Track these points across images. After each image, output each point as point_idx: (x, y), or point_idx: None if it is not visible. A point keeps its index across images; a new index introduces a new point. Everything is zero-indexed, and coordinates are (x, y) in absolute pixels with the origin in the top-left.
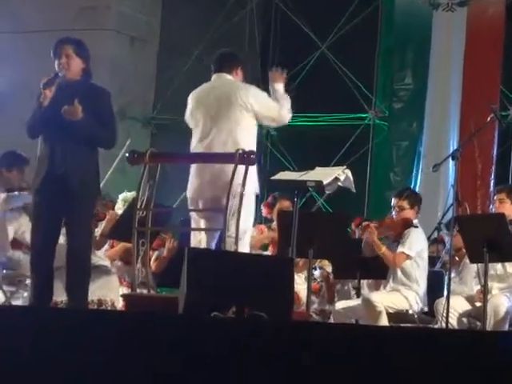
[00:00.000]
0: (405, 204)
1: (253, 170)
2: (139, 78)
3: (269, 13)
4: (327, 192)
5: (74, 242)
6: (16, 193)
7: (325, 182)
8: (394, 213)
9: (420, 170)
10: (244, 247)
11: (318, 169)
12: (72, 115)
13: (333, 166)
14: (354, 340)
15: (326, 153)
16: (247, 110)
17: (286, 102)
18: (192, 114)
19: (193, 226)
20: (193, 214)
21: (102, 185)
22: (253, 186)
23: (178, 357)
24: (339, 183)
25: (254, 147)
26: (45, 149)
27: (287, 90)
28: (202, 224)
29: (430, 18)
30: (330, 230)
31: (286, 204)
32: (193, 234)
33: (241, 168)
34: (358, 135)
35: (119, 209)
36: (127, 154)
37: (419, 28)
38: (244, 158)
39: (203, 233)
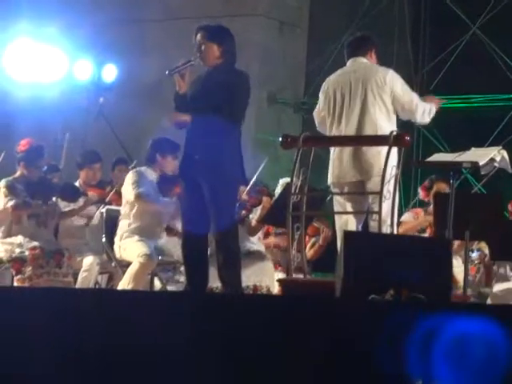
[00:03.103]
0: None
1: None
2: (289, 63)
3: None
4: (482, 173)
5: (217, 228)
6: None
7: (481, 163)
8: None
9: None
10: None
11: (473, 149)
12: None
13: (487, 147)
14: None
15: (480, 134)
16: (385, 93)
17: (429, 109)
18: (328, 101)
19: (336, 209)
20: (337, 198)
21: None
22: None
23: (335, 340)
24: (495, 164)
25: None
26: (186, 135)
27: None
28: (348, 207)
29: None
30: (487, 211)
31: (442, 186)
32: (337, 216)
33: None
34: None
35: (278, 193)
36: (280, 139)
37: None
38: (398, 139)
39: (349, 215)
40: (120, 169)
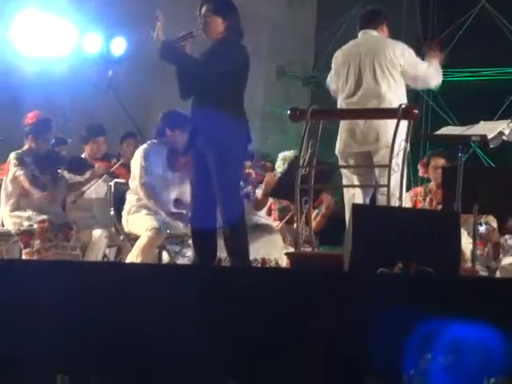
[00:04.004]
0: None
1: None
2: (298, 36)
3: None
4: (491, 146)
5: (222, 200)
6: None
7: (489, 136)
8: None
9: None
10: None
11: (482, 123)
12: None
13: (496, 120)
14: None
15: (488, 107)
16: (394, 68)
17: (437, 72)
18: (338, 73)
19: (344, 182)
20: (344, 171)
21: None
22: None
23: (344, 312)
24: (504, 137)
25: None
26: (191, 110)
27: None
28: (355, 180)
29: None
30: (495, 185)
31: (440, 162)
32: (345, 189)
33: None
34: None
35: (279, 167)
36: (289, 112)
37: None
38: (407, 112)
39: (356, 188)
40: (128, 143)
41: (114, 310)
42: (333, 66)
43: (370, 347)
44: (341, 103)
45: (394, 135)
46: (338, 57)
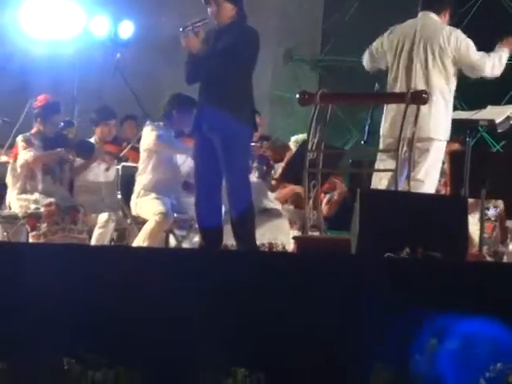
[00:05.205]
0: None
1: (440, 113)
2: (306, 20)
3: None
4: (499, 131)
5: (230, 183)
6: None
7: (497, 121)
8: None
9: None
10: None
11: (489, 107)
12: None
13: (504, 105)
14: None
15: (496, 92)
16: (447, 55)
17: (499, 61)
18: (391, 50)
19: (377, 165)
20: (379, 154)
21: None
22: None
23: (351, 297)
24: (511, 122)
25: (448, 93)
26: (199, 92)
27: None
28: (388, 164)
29: None
30: (503, 169)
31: (454, 146)
32: (375, 174)
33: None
34: None
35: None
36: (297, 95)
37: None
38: (415, 97)
39: (383, 176)
40: (130, 124)
41: (120, 294)
42: (384, 39)
43: (377, 332)
44: (389, 83)
45: (403, 121)
46: (392, 34)
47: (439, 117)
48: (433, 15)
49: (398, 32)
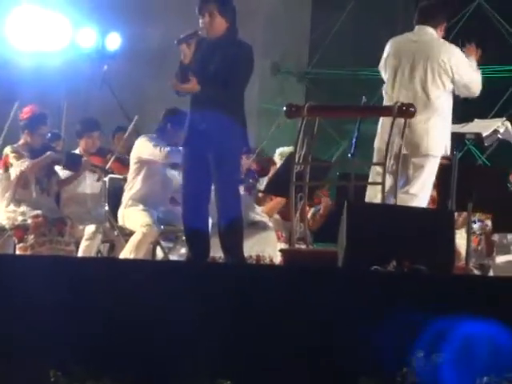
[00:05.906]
0: None
1: (438, 129)
2: (293, 32)
3: None
4: (486, 144)
5: (220, 196)
6: (180, 148)
7: (484, 134)
8: None
9: None
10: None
11: (476, 121)
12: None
13: (491, 118)
14: None
15: (483, 105)
16: (446, 74)
17: (477, 75)
18: (387, 62)
19: (372, 177)
20: (377, 168)
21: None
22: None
23: (337, 309)
24: (498, 135)
25: (447, 110)
26: (191, 106)
27: None
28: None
29: None
30: (490, 183)
31: (442, 161)
32: (369, 187)
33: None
34: None
35: (279, 163)
36: (285, 108)
37: None
38: (402, 111)
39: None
40: (119, 137)
41: (107, 306)
42: (383, 54)
43: (363, 345)
44: (388, 97)
45: (390, 134)
46: (389, 46)
47: (436, 134)
48: (429, 29)
49: (395, 47)
